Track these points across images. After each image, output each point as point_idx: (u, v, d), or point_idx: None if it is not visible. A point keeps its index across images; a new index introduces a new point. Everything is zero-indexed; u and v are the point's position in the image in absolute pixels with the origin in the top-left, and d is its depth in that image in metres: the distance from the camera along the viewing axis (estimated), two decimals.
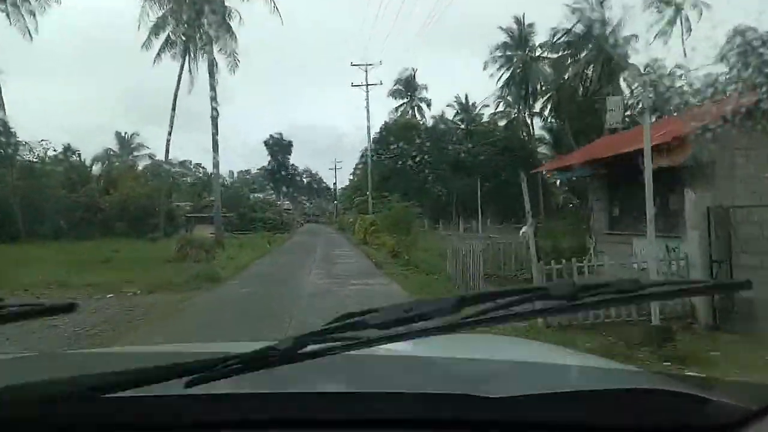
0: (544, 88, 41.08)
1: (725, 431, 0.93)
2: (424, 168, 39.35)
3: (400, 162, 39.70)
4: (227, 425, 0.97)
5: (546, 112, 42.15)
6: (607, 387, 1.08)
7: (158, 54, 28.08)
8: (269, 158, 73.83)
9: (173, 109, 29.51)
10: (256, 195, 58.92)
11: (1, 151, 29.90)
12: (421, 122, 48.65)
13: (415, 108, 52.21)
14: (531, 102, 42.25)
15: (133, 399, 0.91)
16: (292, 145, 74.82)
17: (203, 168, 59.70)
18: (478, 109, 46.93)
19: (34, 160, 32.55)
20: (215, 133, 25.25)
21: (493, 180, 35.17)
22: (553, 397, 0.96)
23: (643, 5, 29.90)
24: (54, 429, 0.92)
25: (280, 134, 73.78)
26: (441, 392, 1.01)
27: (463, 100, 47.79)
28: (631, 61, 33.10)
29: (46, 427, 0.93)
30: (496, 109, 45.60)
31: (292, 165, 77.15)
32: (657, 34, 29.35)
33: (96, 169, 44.15)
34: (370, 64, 39.89)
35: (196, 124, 75.95)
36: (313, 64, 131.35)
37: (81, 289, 11.32)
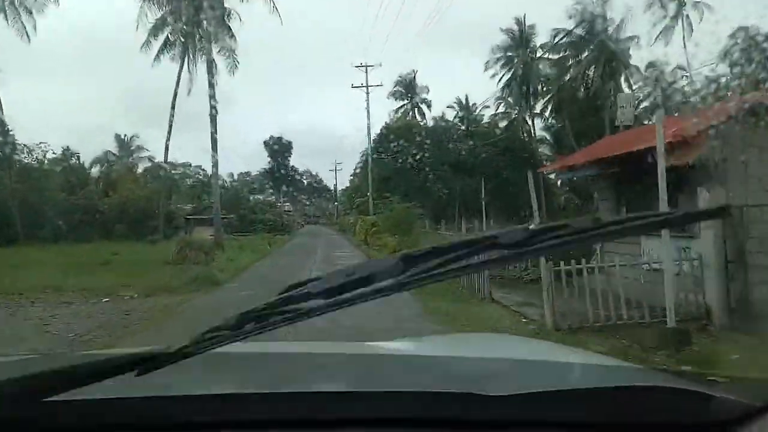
0: (545, 89, 40.95)
1: (727, 428, 0.92)
2: (424, 167, 39.14)
3: (400, 160, 39.47)
4: (227, 425, 0.95)
5: (547, 113, 42.05)
6: (607, 384, 1.08)
7: (157, 55, 27.93)
8: (269, 160, 73.71)
9: (172, 108, 29.39)
10: (256, 196, 58.68)
11: (0, 153, 29.70)
12: (422, 123, 48.49)
13: (416, 109, 52.02)
14: (532, 103, 42.10)
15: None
16: (292, 147, 74.67)
17: (203, 170, 59.46)
18: (478, 110, 46.77)
19: (33, 162, 32.39)
20: (214, 133, 25.03)
21: (494, 180, 34.94)
22: (554, 395, 0.96)
23: (645, 6, 29.74)
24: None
25: (280, 136, 73.69)
26: (441, 391, 1.00)
27: (464, 101, 47.66)
28: (632, 61, 32.97)
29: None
30: (496, 110, 45.48)
31: (292, 166, 77.03)
32: (660, 32, 29.11)
33: (95, 171, 44.04)
34: (371, 65, 39.70)
35: (196, 125, 75.61)
36: (313, 65, 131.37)
37: (77, 293, 11.09)
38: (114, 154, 52.56)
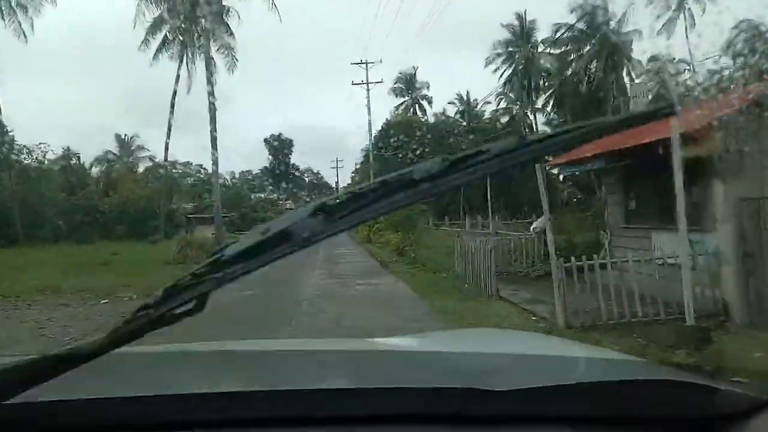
0: (546, 84, 40.69)
1: (732, 420, 0.91)
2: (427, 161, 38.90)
3: (401, 155, 39.22)
4: (228, 423, 0.95)
5: (548, 108, 41.79)
6: (611, 378, 1.07)
7: (156, 54, 27.70)
8: (270, 157, 73.50)
9: (171, 106, 29.20)
10: (257, 195, 58.50)
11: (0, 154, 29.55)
12: (423, 119, 48.27)
13: (417, 106, 51.75)
14: (533, 98, 41.83)
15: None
16: (292, 144, 74.35)
17: (204, 169, 59.29)
18: (479, 106, 46.54)
19: (33, 163, 32.22)
20: (213, 131, 24.81)
21: (498, 176, 34.69)
22: (556, 390, 0.95)
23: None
24: None
25: (280, 133, 73.46)
26: (443, 386, 1.01)
27: (465, 97, 47.38)
28: (634, 54, 32.66)
29: None
30: (497, 105, 45.25)
31: (293, 164, 76.79)
32: (663, 25, 28.76)
33: (95, 171, 43.89)
34: (371, 62, 39.39)
35: (196, 124, 75.66)
36: (313, 63, 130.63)
37: (76, 294, 10.89)
38: (114, 154, 52.37)
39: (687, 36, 28.50)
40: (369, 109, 40.20)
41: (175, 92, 28.74)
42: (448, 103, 48.46)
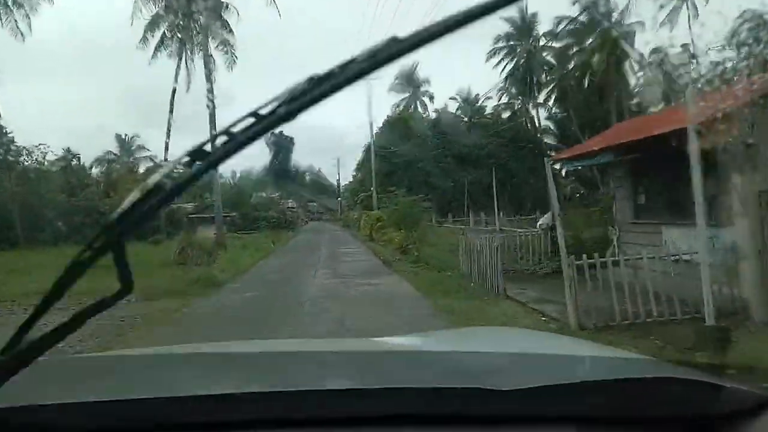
0: (548, 78, 40.33)
1: (738, 417, 0.90)
2: (429, 158, 38.62)
3: (402, 153, 38.90)
4: (228, 425, 0.94)
5: (550, 103, 41.45)
6: (616, 377, 1.05)
7: (155, 52, 27.44)
8: (271, 156, 73.18)
9: (171, 105, 28.98)
10: (258, 194, 58.21)
11: None
12: (425, 115, 47.97)
13: (418, 102, 51.39)
14: (535, 93, 41.46)
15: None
16: (293, 143, 73.73)
17: None
18: (481, 101, 46.19)
19: (33, 164, 32.03)
20: (213, 128, 24.53)
21: (501, 172, 34.41)
22: (559, 389, 0.93)
23: None
24: None
25: (281, 131, 73.12)
26: (444, 386, 1.00)
27: (466, 93, 47.03)
28: (636, 46, 32.29)
29: None
30: (499, 100, 44.89)
31: (294, 163, 76.47)
32: (666, 16, 28.36)
33: (95, 172, 43.73)
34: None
35: (197, 124, 75.04)
36: (313, 62, 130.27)
37: (72, 298, 10.41)
38: (115, 155, 52.21)
39: (690, 27, 28.08)
40: (370, 103, 39.88)
41: (174, 91, 28.54)
42: (450, 98, 48.15)
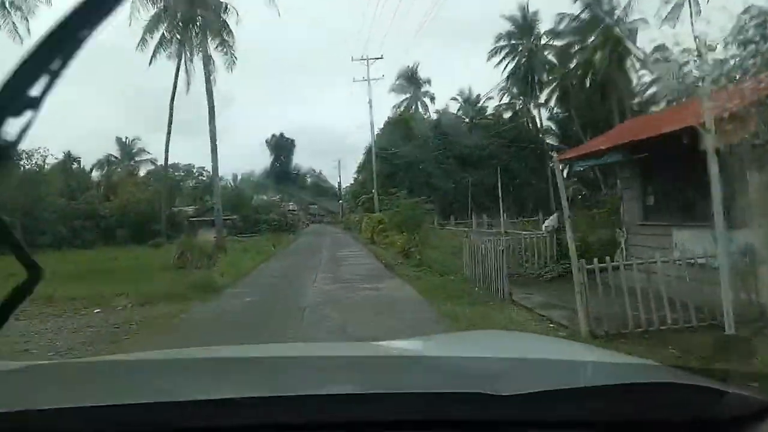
0: (549, 77, 40.06)
1: (742, 423, 0.89)
2: (430, 159, 38.37)
3: (403, 154, 38.65)
4: (231, 431, 0.94)
5: (552, 103, 41.16)
6: (617, 382, 1.05)
7: (154, 54, 27.21)
8: (272, 159, 73.06)
9: (171, 103, 28.82)
10: (259, 196, 58.01)
11: None
12: (426, 116, 47.75)
13: (419, 103, 51.15)
14: (537, 92, 41.19)
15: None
16: (294, 145, 73.90)
17: (206, 171, 58.90)
18: (482, 101, 45.95)
19: (33, 167, 31.87)
20: (213, 131, 24.31)
21: (503, 173, 34.14)
22: (562, 394, 0.93)
23: None
24: None
25: (282, 133, 73.03)
26: (446, 391, 1.00)
27: (467, 93, 46.78)
28: (638, 43, 32.00)
29: None
30: (500, 100, 44.64)
31: (295, 165, 76.34)
32: (668, 12, 28.05)
33: (96, 175, 43.58)
34: (372, 58, 38.82)
35: (197, 126, 74.95)
36: (314, 63, 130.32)
37: (68, 304, 10.44)
38: (115, 158, 52.02)
39: (692, 23, 27.77)
40: (371, 105, 39.64)
41: (174, 92, 28.34)
42: (451, 99, 47.93)
